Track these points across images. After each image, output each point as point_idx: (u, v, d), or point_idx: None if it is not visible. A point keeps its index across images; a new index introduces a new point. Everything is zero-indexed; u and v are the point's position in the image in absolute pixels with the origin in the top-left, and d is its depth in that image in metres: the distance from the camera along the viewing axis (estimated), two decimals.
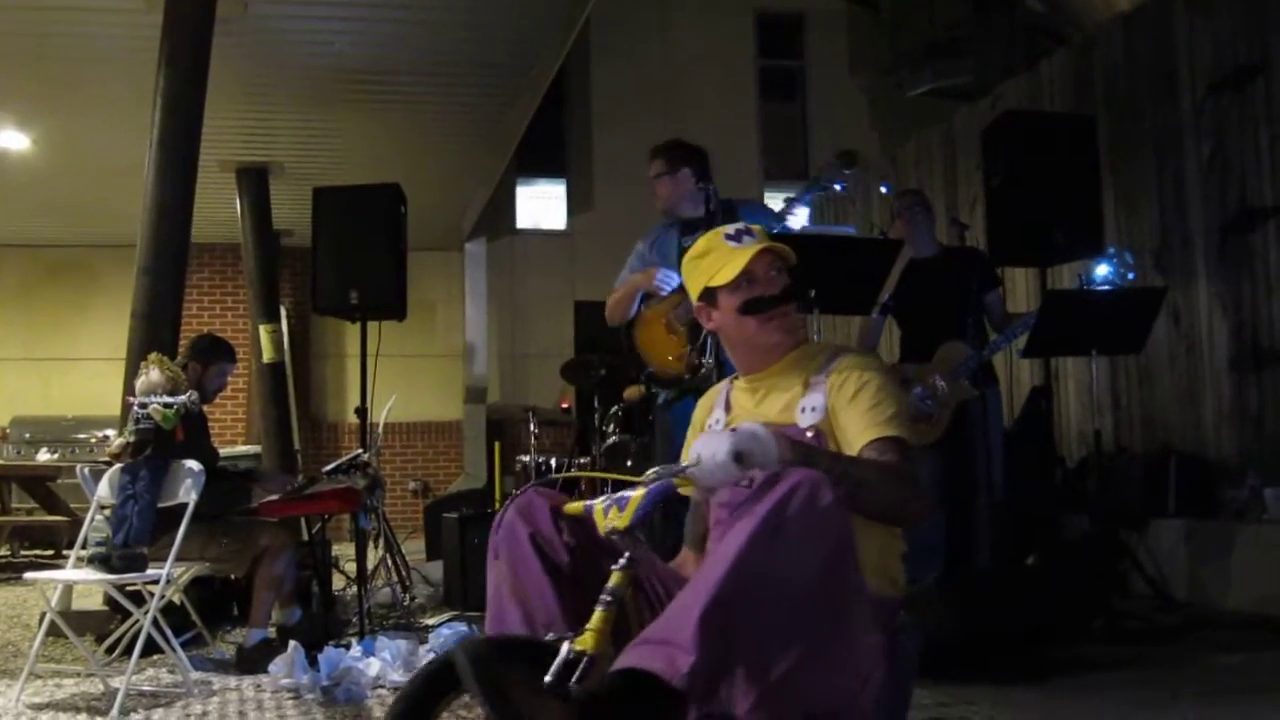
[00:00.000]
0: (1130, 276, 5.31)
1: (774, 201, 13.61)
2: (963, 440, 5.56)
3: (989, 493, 5.58)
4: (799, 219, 4.84)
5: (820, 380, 2.56)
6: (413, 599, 6.67)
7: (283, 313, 11.64)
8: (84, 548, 5.01)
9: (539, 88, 8.44)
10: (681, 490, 2.26)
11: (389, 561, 6.99)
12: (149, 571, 4.68)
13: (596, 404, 7.55)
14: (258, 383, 10.37)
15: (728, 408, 2.76)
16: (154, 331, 6.08)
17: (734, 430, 2.24)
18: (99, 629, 5.46)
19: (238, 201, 9.95)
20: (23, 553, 9.92)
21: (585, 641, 2.05)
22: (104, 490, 4.99)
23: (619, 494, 2.23)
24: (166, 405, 4.88)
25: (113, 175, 9.15)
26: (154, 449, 4.84)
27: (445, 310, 13.17)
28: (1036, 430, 6.77)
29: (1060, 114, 7.08)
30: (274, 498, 5.03)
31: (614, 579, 2.17)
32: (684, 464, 2.22)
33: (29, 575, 4.89)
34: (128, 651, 4.85)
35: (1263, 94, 6.06)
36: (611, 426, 7.75)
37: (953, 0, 12.08)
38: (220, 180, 9.67)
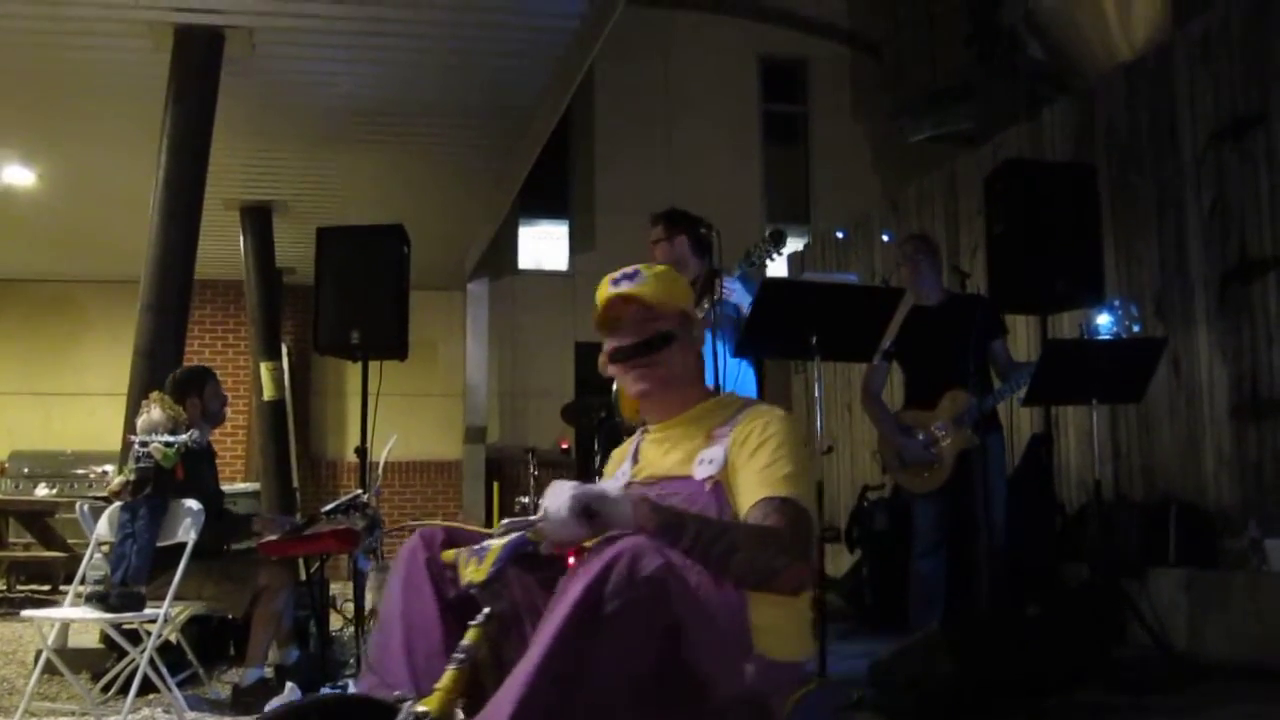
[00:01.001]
0: (1136, 329, 5.32)
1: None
2: (964, 487, 5.57)
3: (990, 539, 5.57)
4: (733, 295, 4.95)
5: (725, 433, 2.40)
6: None
7: (284, 350, 11.67)
8: (82, 584, 5.00)
9: (543, 131, 8.49)
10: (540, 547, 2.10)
11: None
12: (146, 610, 4.68)
13: (596, 446, 7.53)
14: (258, 420, 10.38)
15: (635, 459, 2.63)
16: (156, 368, 6.10)
17: (577, 485, 2.09)
18: (95, 667, 5.44)
19: (241, 239, 9.99)
20: (19, 587, 9.89)
21: (430, 702, 1.96)
22: (103, 528, 4.99)
23: (479, 545, 2.11)
24: (167, 444, 4.88)
25: (118, 210, 9.21)
26: (154, 488, 4.84)
27: (446, 349, 13.18)
28: (1036, 477, 6.77)
29: (1061, 163, 7.11)
30: (273, 537, 5.01)
31: (469, 636, 2.04)
32: (533, 517, 2.11)
33: (26, 613, 4.88)
34: (124, 690, 4.82)
35: (1263, 144, 6.09)
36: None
37: (955, 48, 12.16)
38: (224, 219, 9.72)
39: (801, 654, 2.37)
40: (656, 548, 1.95)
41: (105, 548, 5.00)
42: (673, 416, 2.52)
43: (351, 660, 5.51)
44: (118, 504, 4.93)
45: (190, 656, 5.29)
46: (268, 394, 9.79)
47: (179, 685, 5.14)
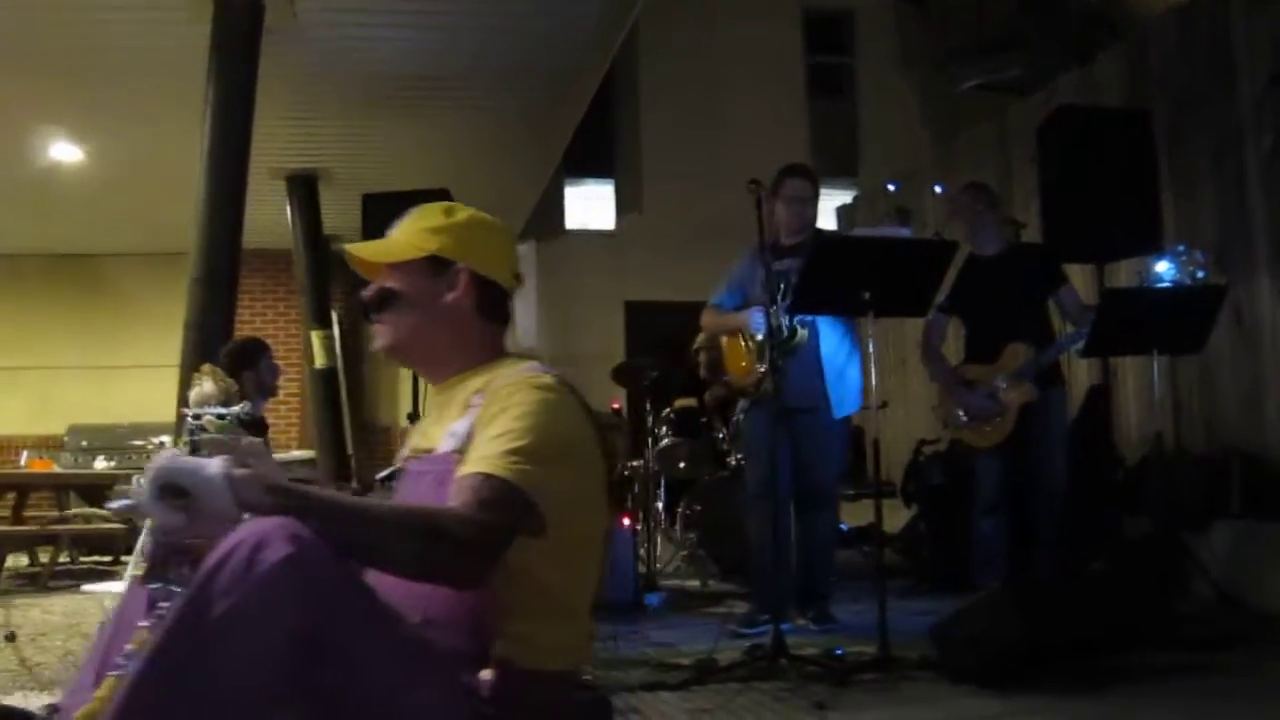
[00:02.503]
0: (1200, 275, 5.19)
1: (825, 198, 13.58)
2: (1027, 442, 5.50)
3: (1051, 496, 5.49)
4: None
5: (479, 401, 2.07)
6: None
7: (334, 318, 11.71)
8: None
9: (587, 91, 8.43)
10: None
11: None
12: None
13: (648, 407, 7.51)
14: (311, 388, 10.43)
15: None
16: (206, 340, 6.14)
17: (172, 457, 1.78)
18: None
19: (288, 208, 10.01)
20: (81, 559, 10.01)
21: (84, 712, 1.79)
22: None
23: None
24: (220, 416, 4.89)
25: (166, 184, 9.22)
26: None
27: None
28: (1095, 430, 6.67)
29: (1116, 109, 6.95)
30: None
31: (134, 640, 1.84)
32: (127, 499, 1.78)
33: (86, 587, 4.93)
34: None
35: None
36: (664, 429, 7.72)
37: None
38: (270, 187, 9.73)
39: (567, 662, 2.09)
40: (289, 534, 1.65)
41: None
42: (440, 381, 2.25)
43: None
44: None
45: None
46: (319, 362, 9.84)
47: None
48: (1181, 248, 5.35)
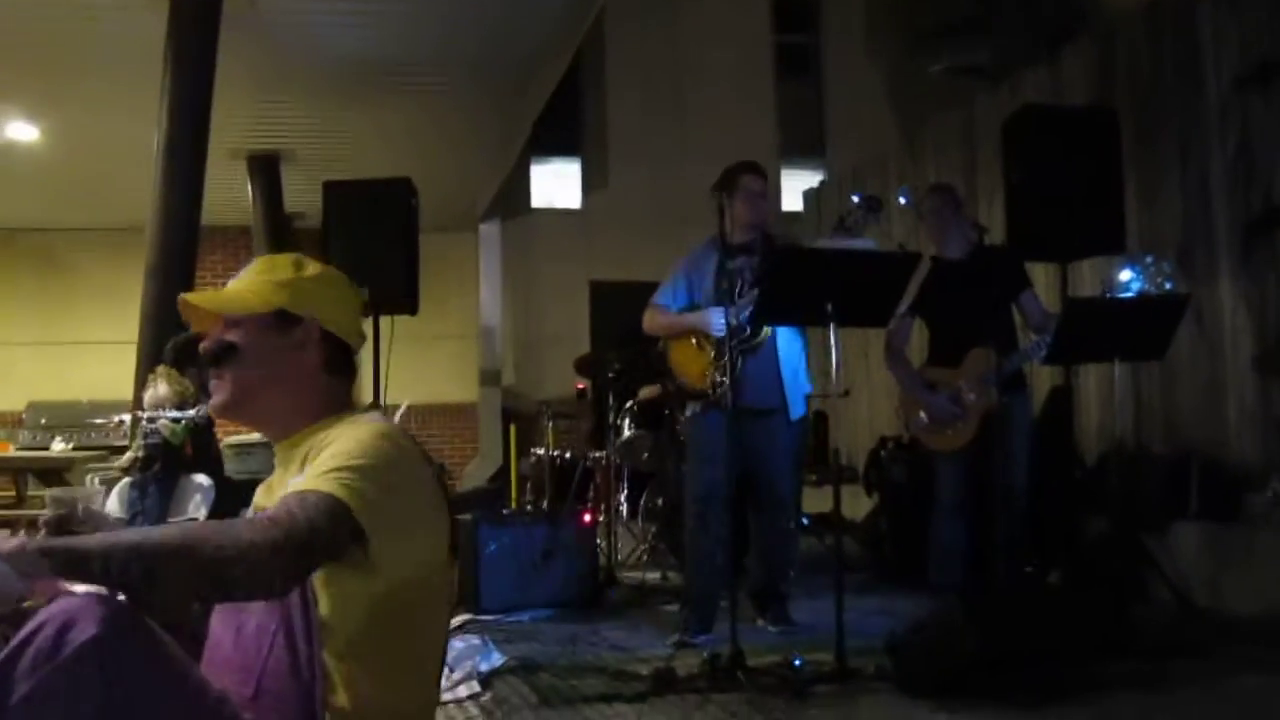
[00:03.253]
0: (1168, 285, 5.20)
1: (791, 180, 13.55)
2: (988, 447, 5.50)
3: (1010, 502, 5.50)
4: None
5: (314, 457, 1.96)
6: None
7: None
8: None
9: (552, 78, 8.35)
10: None
11: None
12: None
13: (611, 400, 7.48)
14: None
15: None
16: (163, 334, 6.05)
17: None
18: None
19: (249, 187, 9.89)
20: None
21: None
22: (113, 504, 4.96)
23: None
24: (175, 420, 4.84)
25: (122, 162, 9.09)
26: (162, 464, 4.81)
27: (459, 291, 13.07)
28: (1057, 429, 6.69)
29: (1081, 108, 6.93)
30: None
31: None
32: None
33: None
34: None
35: None
36: (627, 421, 7.70)
37: None
38: (231, 167, 9.60)
39: None
40: (98, 615, 1.60)
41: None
42: (282, 438, 2.13)
43: None
44: (127, 480, 4.90)
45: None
46: None
47: None
48: (1149, 258, 5.38)
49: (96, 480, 5.24)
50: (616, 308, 12.88)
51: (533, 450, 8.55)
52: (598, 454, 7.86)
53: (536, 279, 13.31)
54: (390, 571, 1.88)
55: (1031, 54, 10.81)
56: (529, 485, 8.64)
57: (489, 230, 13.20)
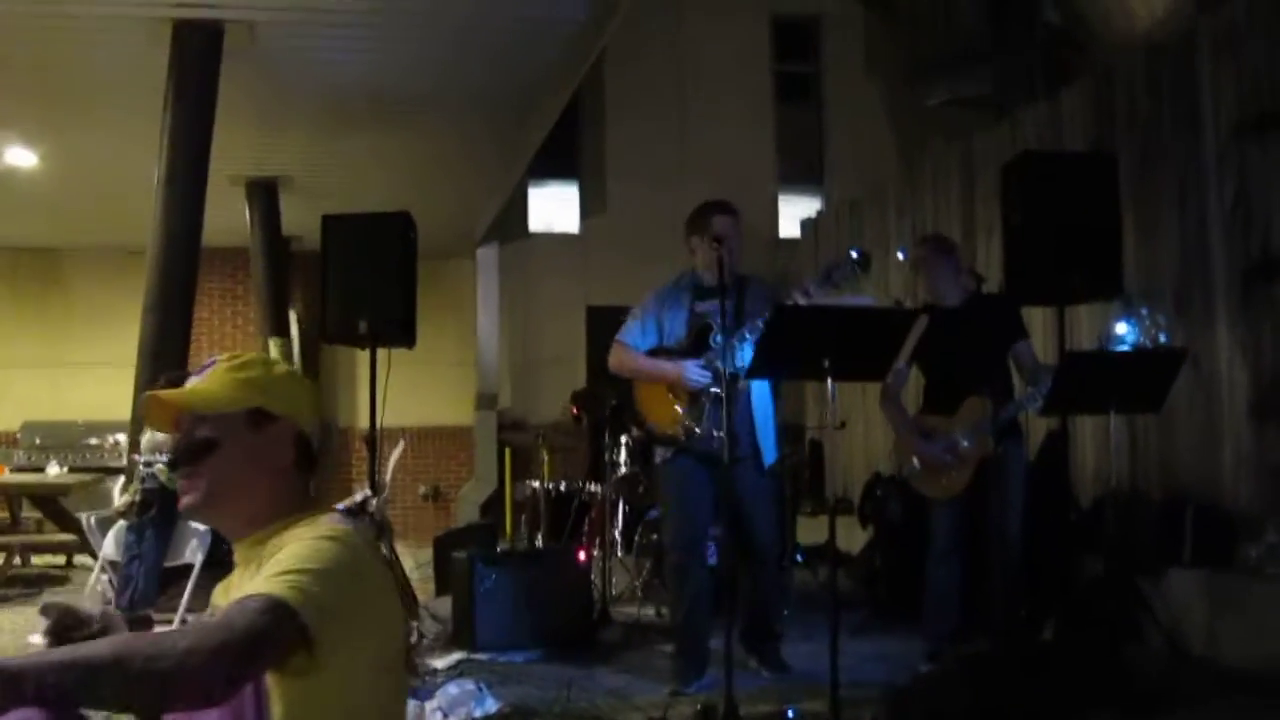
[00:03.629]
0: (1163, 339, 5.21)
1: (789, 206, 13.57)
2: (982, 496, 5.51)
3: (1005, 551, 5.50)
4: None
5: (269, 558, 1.97)
6: (421, 637, 6.63)
7: (292, 317, 11.61)
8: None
9: (555, 109, 8.36)
10: None
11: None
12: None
13: (607, 437, 7.49)
14: None
15: None
16: (162, 370, 6.06)
17: None
18: None
19: (246, 212, 9.90)
20: (34, 560, 9.89)
21: None
22: (109, 548, 4.99)
23: None
24: (171, 465, 4.85)
25: (123, 186, 9.10)
26: (159, 509, 4.83)
27: (456, 315, 13.09)
28: (1052, 473, 6.69)
29: (1080, 154, 6.97)
30: None
31: None
32: None
33: (33, 639, 4.87)
34: None
35: None
36: (622, 456, 7.70)
37: (970, 8, 11.92)
38: (230, 193, 9.60)
39: None
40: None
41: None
42: (240, 538, 2.13)
43: None
44: (124, 524, 4.90)
45: None
46: None
47: None
48: (1145, 310, 5.39)
49: (93, 520, 5.23)
50: (613, 332, 12.88)
51: (528, 482, 8.54)
52: (593, 487, 7.86)
53: (534, 303, 13.31)
54: (340, 672, 1.87)
55: (1030, 87, 10.88)
56: (524, 517, 8.63)
57: (486, 254, 13.20)
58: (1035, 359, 5.69)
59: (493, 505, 12.87)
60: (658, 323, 5.39)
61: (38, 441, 11.57)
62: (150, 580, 4.77)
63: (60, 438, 11.60)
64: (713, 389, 5.06)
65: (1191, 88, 6.61)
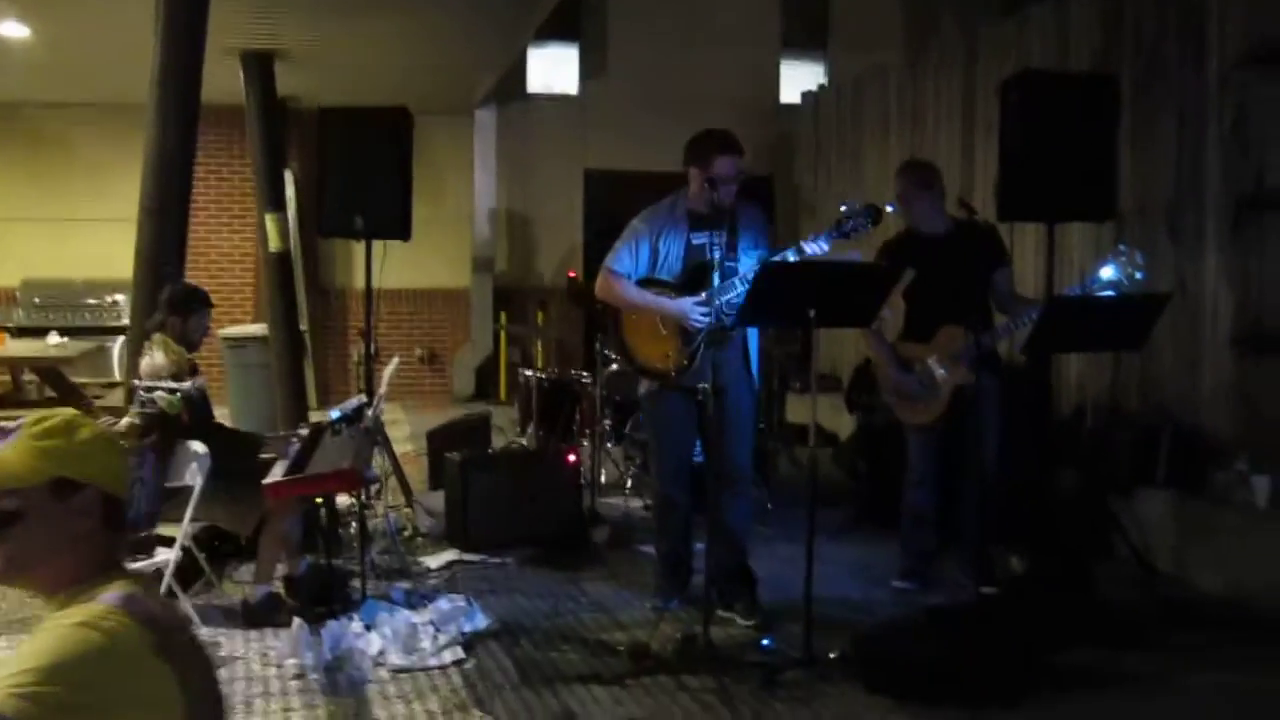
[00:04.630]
0: (1139, 276, 5.25)
1: (792, 70, 13.37)
2: (958, 426, 5.65)
3: (982, 481, 5.64)
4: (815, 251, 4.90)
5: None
6: (415, 532, 6.85)
7: (289, 179, 11.57)
8: None
9: None
10: None
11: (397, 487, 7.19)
12: (157, 556, 4.86)
13: (599, 335, 7.59)
14: (265, 270, 10.38)
15: None
16: (157, 274, 6.14)
17: None
18: None
19: (241, 79, 9.79)
20: None
21: None
22: None
23: None
24: (171, 391, 4.96)
25: (118, 55, 8.97)
26: (159, 434, 4.94)
27: (454, 175, 13.00)
28: (1035, 380, 6.82)
29: (1082, 74, 6.91)
30: (277, 479, 5.10)
31: None
32: None
33: None
34: None
35: None
36: (614, 352, 7.80)
37: None
38: (224, 64, 9.45)
39: None
40: None
41: None
42: (49, 598, 2.07)
43: (357, 570, 5.72)
44: (124, 444, 5.02)
45: (202, 562, 5.50)
46: (273, 245, 9.77)
47: (192, 592, 5.42)
48: (1122, 246, 5.41)
49: None
50: (611, 197, 12.89)
51: (522, 371, 8.67)
52: (585, 377, 8.00)
53: (532, 166, 13.22)
54: None
55: None
56: (517, 405, 8.79)
57: (484, 116, 13.08)
58: (1011, 287, 5.77)
59: (488, 370, 13.08)
60: (651, 249, 5.26)
61: (36, 301, 11.63)
62: (152, 503, 4.91)
63: (59, 297, 11.66)
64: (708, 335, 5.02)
65: (1198, 11, 6.52)
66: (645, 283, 5.30)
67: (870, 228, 4.89)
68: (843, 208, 4.93)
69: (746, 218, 5.26)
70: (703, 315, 5.04)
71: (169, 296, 5.63)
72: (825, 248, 4.86)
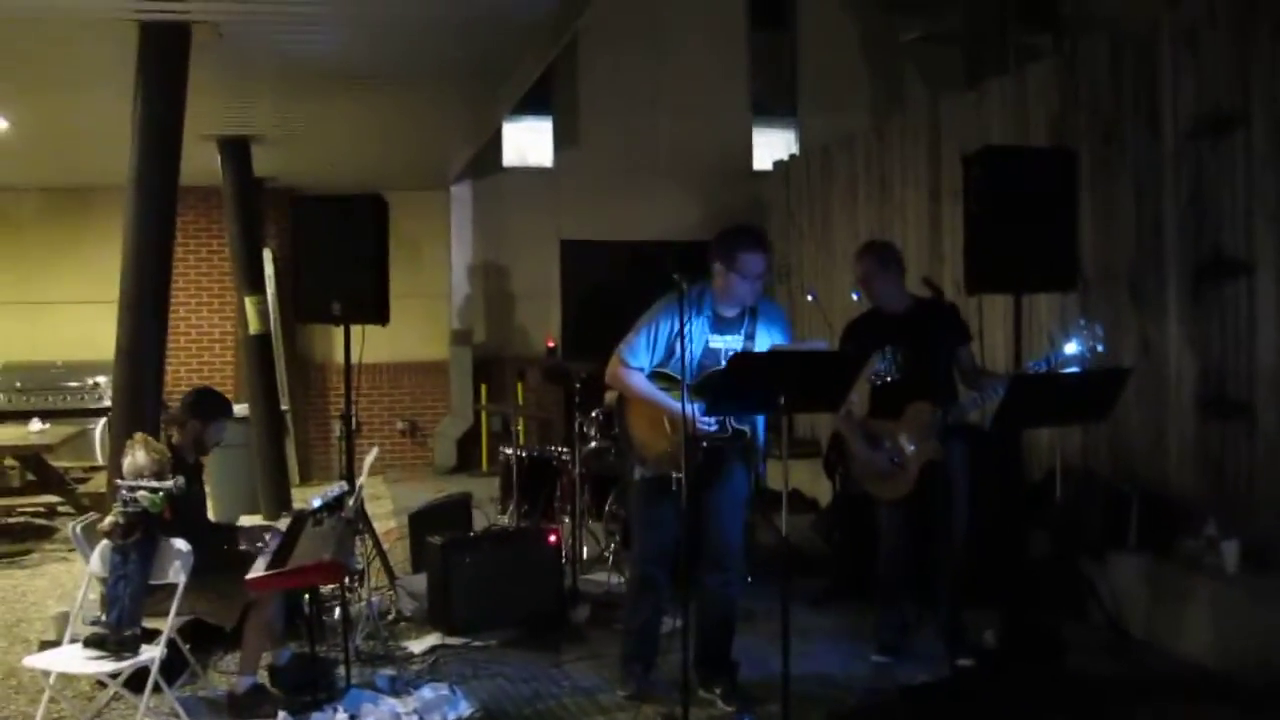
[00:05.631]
0: (1100, 349, 5.38)
1: (764, 136, 13.57)
2: (929, 497, 5.75)
3: (952, 548, 5.77)
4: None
5: None
6: (399, 616, 6.89)
7: (267, 258, 11.68)
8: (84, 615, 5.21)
9: (528, 79, 8.34)
10: None
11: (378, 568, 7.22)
12: (142, 655, 4.89)
13: (578, 412, 7.68)
14: (245, 352, 10.46)
15: None
16: (138, 370, 6.23)
17: None
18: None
19: (219, 162, 9.90)
20: (19, 511, 10.07)
21: None
22: (95, 564, 5.16)
23: None
24: (153, 490, 5.02)
25: (95, 143, 9.08)
26: (142, 531, 4.99)
27: (430, 249, 13.14)
28: (1007, 444, 6.91)
29: (1043, 148, 7.10)
30: (259, 573, 5.14)
31: None
32: None
33: (26, 661, 5.11)
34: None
35: (1242, 147, 6.05)
36: (593, 430, 7.90)
37: None
38: (202, 146, 9.57)
39: None
40: None
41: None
42: None
43: (340, 659, 5.76)
44: (108, 543, 5.07)
45: (187, 654, 5.53)
46: (253, 328, 9.85)
47: (177, 684, 5.45)
48: (1082, 320, 5.57)
49: (78, 528, 5.39)
50: (587, 266, 13.06)
51: (502, 450, 8.74)
52: (564, 453, 8.07)
53: (508, 237, 13.37)
54: None
55: (1001, 26, 10.90)
56: (499, 482, 8.85)
57: (460, 190, 13.24)
58: (975, 363, 5.93)
59: (469, 441, 13.13)
60: (667, 343, 5.23)
61: (17, 385, 11.66)
62: (136, 601, 4.95)
63: (39, 380, 11.69)
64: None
65: (1151, 81, 6.70)
66: (655, 376, 5.32)
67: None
68: (809, 297, 5.05)
69: (766, 317, 5.31)
70: (708, 423, 5.09)
71: (197, 400, 5.78)
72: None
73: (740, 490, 5.42)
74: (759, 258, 5.15)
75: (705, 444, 5.13)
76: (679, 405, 4.96)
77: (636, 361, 5.29)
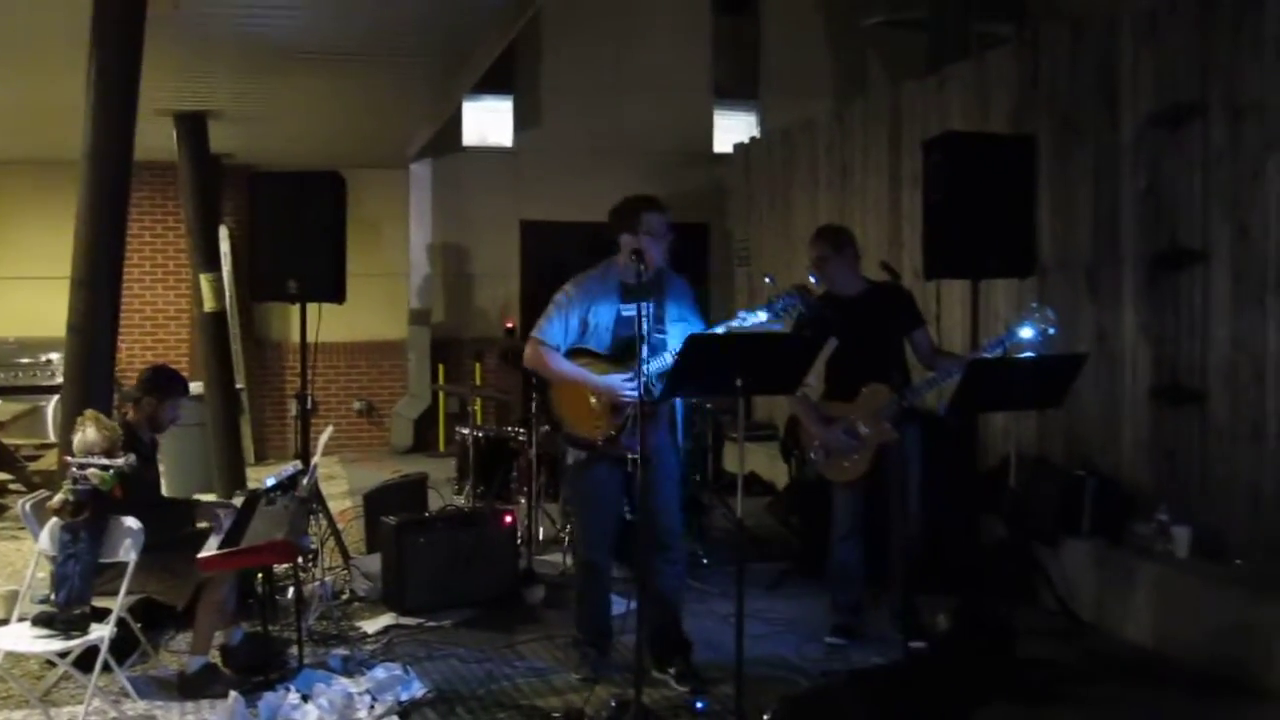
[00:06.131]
0: (1051, 332, 5.42)
1: (725, 120, 13.55)
2: (882, 479, 5.79)
3: (905, 530, 5.82)
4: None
5: None
6: (352, 596, 6.85)
7: (224, 235, 11.59)
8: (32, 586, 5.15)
9: (487, 59, 8.29)
10: None
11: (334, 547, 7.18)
12: (91, 635, 4.84)
13: (535, 394, 7.65)
14: (199, 330, 10.35)
15: None
16: (89, 349, 6.14)
17: None
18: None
19: (174, 138, 9.78)
20: None
21: None
22: (45, 542, 5.10)
23: None
24: (104, 468, 4.95)
25: (49, 116, 8.96)
26: (92, 510, 4.93)
27: (389, 228, 13.06)
28: (961, 438, 6.95)
29: (1003, 135, 7.13)
30: (211, 552, 5.10)
31: None
32: None
33: None
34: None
35: (1199, 138, 6.10)
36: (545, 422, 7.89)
37: None
38: (158, 121, 9.46)
39: None
40: None
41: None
42: None
43: (294, 638, 5.73)
44: (58, 521, 5.00)
45: (138, 633, 5.48)
46: (208, 306, 9.76)
47: (128, 663, 5.40)
48: (1034, 304, 5.61)
49: (27, 506, 5.32)
50: (547, 247, 13.01)
51: (459, 430, 8.71)
52: (521, 435, 8.04)
53: (467, 217, 13.29)
54: None
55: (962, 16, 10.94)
56: (455, 464, 8.83)
57: (420, 169, 13.15)
58: (931, 346, 5.98)
59: (426, 422, 13.08)
60: (581, 320, 5.28)
61: None
62: (85, 580, 4.89)
63: None
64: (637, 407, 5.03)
65: (1111, 70, 6.73)
66: (574, 353, 5.33)
67: (801, 305, 4.97)
68: (767, 280, 5.05)
69: (675, 290, 5.35)
70: (632, 390, 5.04)
71: (152, 377, 5.73)
72: (763, 319, 4.97)
73: (671, 464, 5.40)
74: (661, 216, 5.23)
75: (630, 413, 5.11)
76: (599, 376, 5.13)
77: (552, 340, 5.32)
